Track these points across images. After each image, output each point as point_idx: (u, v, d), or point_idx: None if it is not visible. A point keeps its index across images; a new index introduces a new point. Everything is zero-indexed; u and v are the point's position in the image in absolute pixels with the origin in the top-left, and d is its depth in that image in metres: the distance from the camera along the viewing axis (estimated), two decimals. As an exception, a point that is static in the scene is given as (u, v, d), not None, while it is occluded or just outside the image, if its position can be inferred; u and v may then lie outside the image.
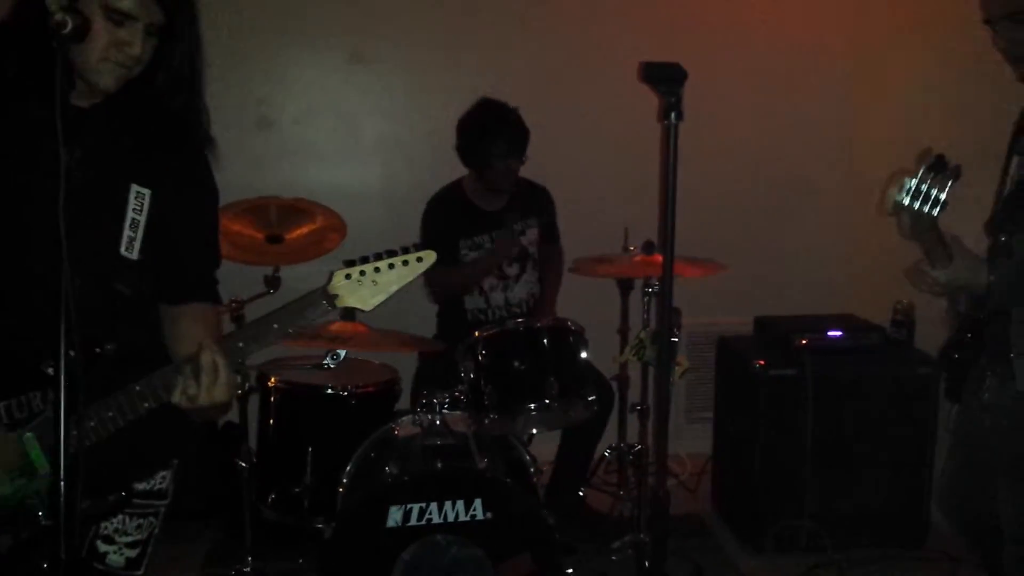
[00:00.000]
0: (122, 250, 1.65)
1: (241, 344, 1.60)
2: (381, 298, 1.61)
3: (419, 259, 1.62)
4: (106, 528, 1.75)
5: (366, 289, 1.59)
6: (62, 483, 1.16)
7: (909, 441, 3.41)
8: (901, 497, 3.43)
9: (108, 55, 1.53)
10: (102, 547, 1.76)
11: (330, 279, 1.59)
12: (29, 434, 1.58)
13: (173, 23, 1.60)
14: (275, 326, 1.60)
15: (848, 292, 4.28)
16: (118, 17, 1.52)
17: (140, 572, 1.82)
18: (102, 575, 1.77)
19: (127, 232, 1.66)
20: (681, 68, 1.80)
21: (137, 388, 1.59)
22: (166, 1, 1.58)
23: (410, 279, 1.62)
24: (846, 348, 3.46)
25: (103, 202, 1.62)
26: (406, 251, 1.63)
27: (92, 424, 1.56)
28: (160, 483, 1.83)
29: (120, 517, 1.76)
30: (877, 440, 3.39)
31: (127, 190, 1.66)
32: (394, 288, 1.61)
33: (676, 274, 2.03)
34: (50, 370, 1.54)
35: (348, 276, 1.59)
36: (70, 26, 1.37)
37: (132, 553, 1.79)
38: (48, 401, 1.59)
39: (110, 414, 1.58)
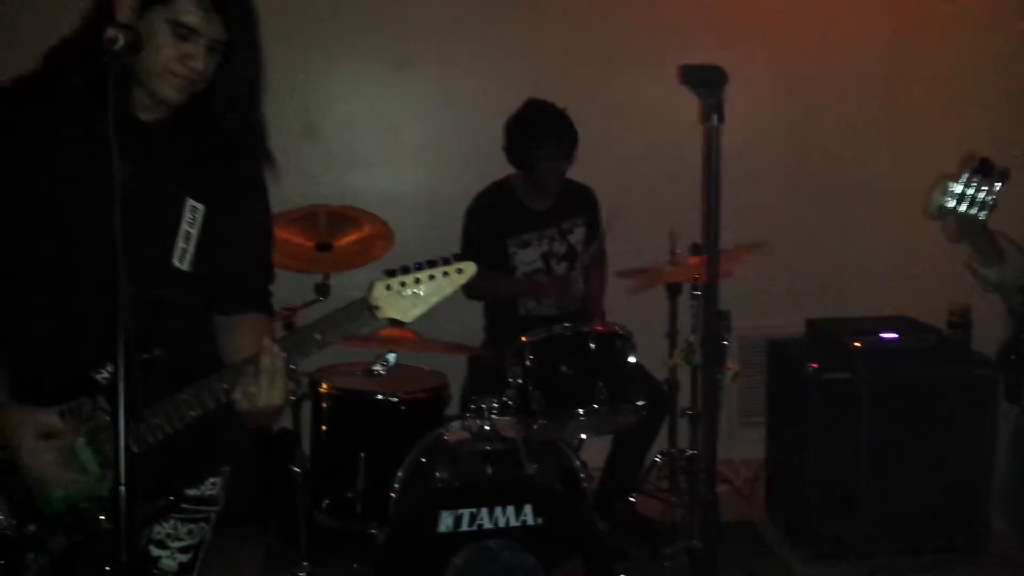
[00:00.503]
0: (174, 261, 1.69)
1: (287, 353, 1.62)
2: (422, 310, 1.60)
3: (459, 271, 1.61)
4: (159, 533, 1.78)
5: (407, 301, 1.59)
6: (123, 487, 1.18)
7: (968, 444, 3.33)
8: (961, 502, 3.35)
9: (172, 68, 1.57)
10: (155, 552, 1.79)
11: (371, 289, 1.59)
12: (80, 440, 1.61)
13: (236, 41, 1.63)
14: (317, 337, 1.61)
15: (902, 293, 4.20)
16: (184, 31, 1.56)
17: None
18: None
19: (180, 244, 1.69)
20: (721, 70, 1.77)
21: (184, 396, 1.61)
22: (230, 18, 1.61)
23: (451, 292, 1.61)
24: (901, 350, 3.40)
25: (158, 214, 1.65)
26: (447, 261, 1.61)
27: (143, 431, 1.59)
28: (210, 489, 1.85)
29: (172, 523, 1.79)
30: (935, 444, 3.32)
31: (182, 204, 1.69)
32: (435, 300, 1.60)
33: (723, 274, 2.01)
34: (100, 376, 1.60)
35: (389, 287, 1.59)
36: (121, 42, 1.40)
37: (184, 558, 1.82)
38: (98, 407, 1.62)
39: (157, 421, 1.61)
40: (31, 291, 1.69)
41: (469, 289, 3.48)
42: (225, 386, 1.60)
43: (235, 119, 1.70)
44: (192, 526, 1.82)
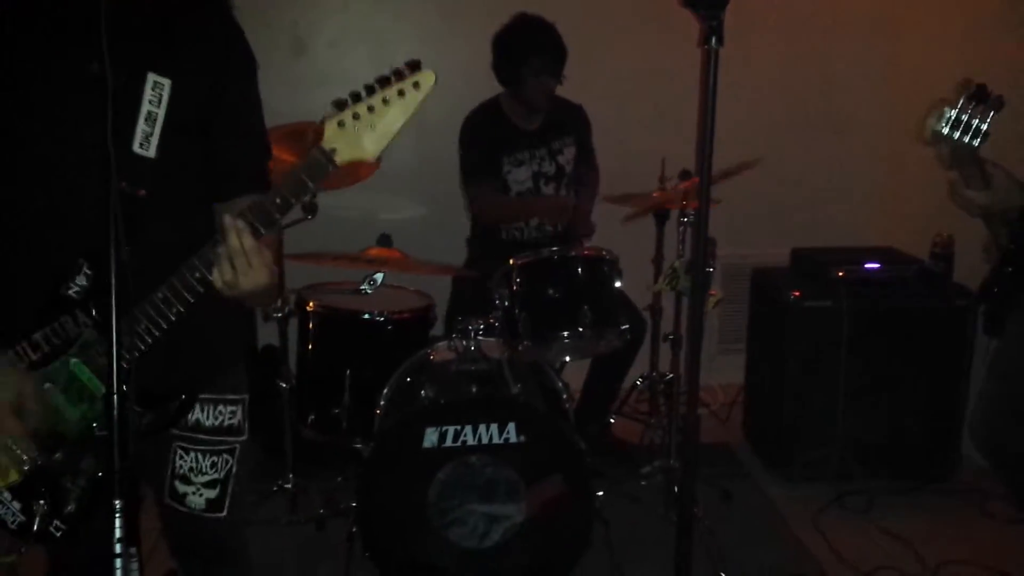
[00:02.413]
0: (135, 147, 1.51)
1: (250, 222, 1.45)
2: (384, 142, 1.42)
3: (416, 84, 1.40)
4: (181, 467, 1.72)
5: (364, 135, 1.40)
6: (115, 396, 1.16)
7: (943, 374, 3.41)
8: (933, 429, 3.44)
9: None
10: (181, 488, 1.73)
11: (322, 133, 1.41)
12: (75, 359, 1.55)
13: None
14: (278, 201, 1.44)
15: (886, 225, 4.23)
16: None
17: (223, 514, 1.75)
18: (186, 517, 1.74)
19: (141, 127, 1.50)
20: (724, -9, 1.77)
21: (160, 295, 1.49)
22: None
23: (412, 112, 1.40)
24: (883, 280, 3.44)
25: (114, 95, 1.34)
26: (400, 76, 1.40)
27: (129, 340, 1.46)
28: (230, 418, 1.76)
29: (193, 455, 1.72)
30: (911, 372, 3.39)
31: (141, 80, 1.49)
32: (397, 127, 1.41)
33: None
34: (71, 291, 1.50)
35: (341, 124, 1.41)
36: None
37: (211, 494, 1.74)
38: (81, 324, 1.52)
39: (142, 326, 1.49)
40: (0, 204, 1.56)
41: (484, 211, 3.53)
42: (198, 275, 1.47)
43: None
44: (215, 458, 1.74)
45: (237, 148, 1.64)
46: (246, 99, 1.65)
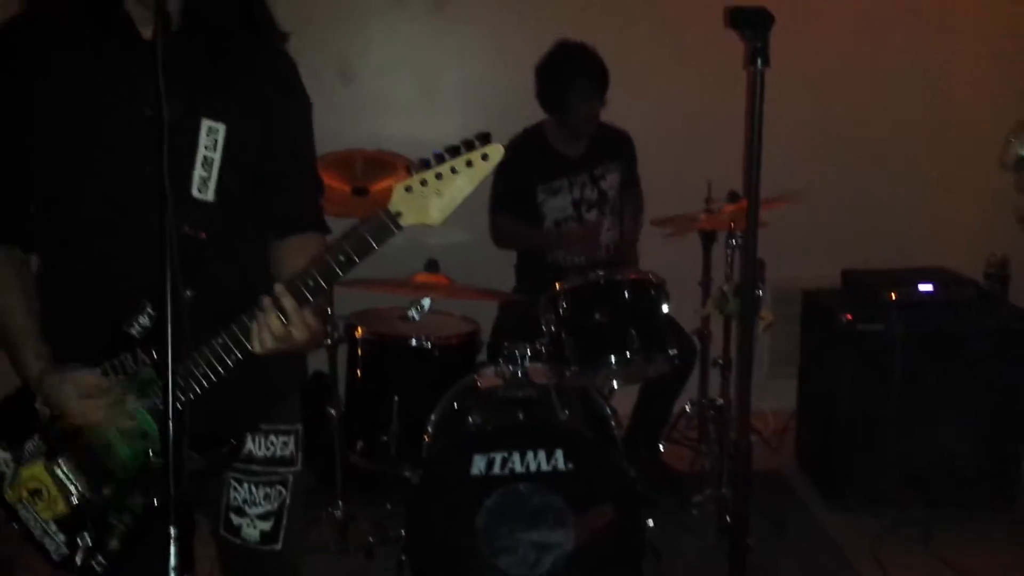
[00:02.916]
0: (194, 192, 1.55)
1: (311, 282, 1.48)
2: (450, 209, 1.44)
3: (484, 156, 1.43)
4: (235, 499, 1.72)
5: (431, 201, 1.42)
6: (171, 423, 1.17)
7: (1001, 399, 3.31)
8: (991, 457, 3.34)
9: None
10: (235, 519, 1.73)
11: (391, 196, 1.43)
12: (132, 396, 1.55)
13: None
14: (341, 258, 1.46)
15: (939, 245, 4.15)
16: None
17: (278, 546, 1.74)
18: (240, 549, 1.73)
19: (198, 173, 1.55)
20: (768, 12, 1.78)
21: (221, 340, 1.52)
22: None
23: (479, 182, 1.43)
24: (937, 302, 3.37)
25: (171, 141, 1.35)
26: (469, 147, 1.43)
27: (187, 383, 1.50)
28: (282, 449, 1.75)
29: (247, 486, 1.72)
30: (968, 397, 3.31)
31: (197, 126, 1.54)
32: (462, 196, 1.44)
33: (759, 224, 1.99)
34: (133, 330, 1.53)
35: (408, 189, 1.43)
36: None
37: (265, 526, 1.73)
38: (140, 362, 1.54)
39: (201, 370, 1.52)
40: (61, 247, 1.61)
41: (499, 240, 3.55)
42: (243, 336, 1.50)
43: (225, 6, 1.54)
44: (268, 490, 1.73)
45: (292, 188, 1.68)
46: (300, 139, 1.69)
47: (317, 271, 1.48)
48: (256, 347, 1.49)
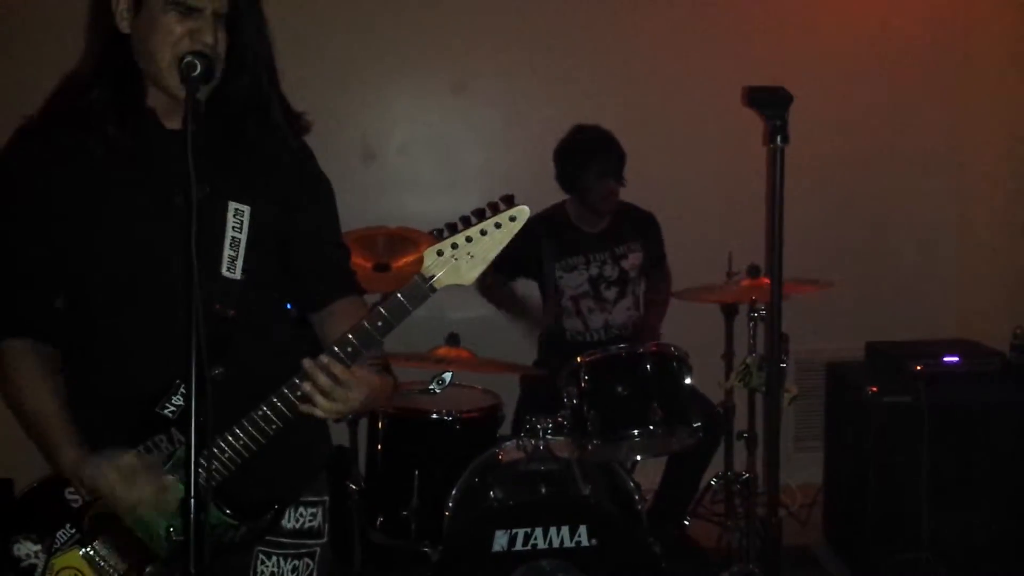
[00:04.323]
0: (223, 271, 1.61)
1: (349, 348, 1.52)
2: (480, 269, 1.50)
3: (512, 218, 1.49)
4: (262, 572, 1.71)
5: (462, 263, 1.49)
6: (192, 500, 1.18)
7: (1032, 472, 3.25)
8: (1021, 532, 3.26)
9: (182, 49, 1.48)
10: None
11: (423, 261, 1.49)
12: (169, 477, 1.56)
13: (238, 9, 1.56)
14: (379, 324, 1.51)
15: (964, 317, 4.12)
16: (185, 9, 1.50)
17: None
18: None
19: (227, 252, 1.61)
20: (786, 91, 1.80)
21: (261, 412, 1.55)
22: None
23: (507, 242, 1.50)
24: (964, 374, 3.34)
25: (200, 224, 1.42)
26: (495, 210, 1.50)
27: (228, 455, 1.55)
28: (311, 520, 1.76)
29: (275, 559, 1.71)
30: (997, 470, 3.25)
31: (224, 209, 1.61)
32: (492, 256, 1.50)
33: (784, 295, 1.99)
34: (167, 411, 1.55)
35: (440, 253, 1.49)
36: (199, 68, 1.43)
37: None
38: (175, 441, 1.57)
39: (241, 442, 1.55)
40: (90, 336, 1.63)
41: (482, 288, 3.57)
42: (299, 394, 1.53)
43: (245, 84, 1.60)
44: (296, 562, 1.73)
45: (321, 263, 1.74)
46: (323, 215, 1.76)
47: (354, 336, 1.52)
48: (320, 414, 1.52)
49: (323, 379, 1.50)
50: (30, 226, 1.60)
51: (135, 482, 1.53)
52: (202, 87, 1.50)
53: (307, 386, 1.50)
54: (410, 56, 4.04)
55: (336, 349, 1.52)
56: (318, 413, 1.52)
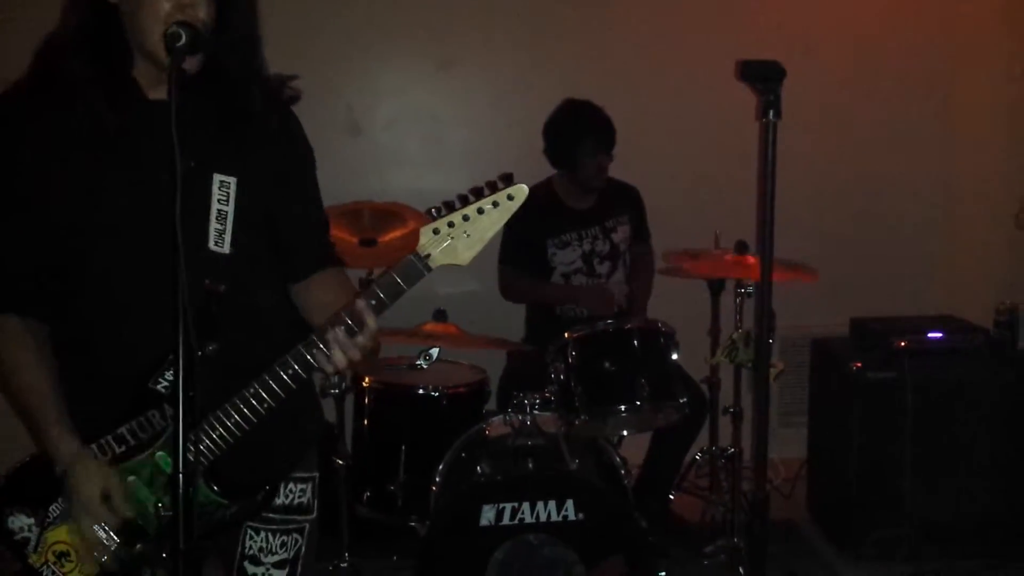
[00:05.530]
0: (212, 245, 1.58)
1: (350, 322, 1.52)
2: (477, 248, 1.47)
3: (510, 197, 1.46)
4: (251, 548, 1.71)
5: (459, 242, 1.46)
6: (180, 475, 1.17)
7: (1013, 447, 3.28)
8: (1006, 505, 3.30)
9: (173, 20, 1.44)
10: (250, 568, 1.72)
11: (419, 239, 1.47)
12: (160, 453, 1.55)
13: None
14: (372, 301, 1.50)
15: (947, 293, 4.15)
16: None
17: None
18: None
19: (214, 226, 1.58)
20: (779, 66, 1.80)
21: (252, 390, 1.53)
22: None
23: (505, 221, 1.47)
24: (947, 350, 3.36)
25: (186, 197, 1.37)
26: (494, 188, 1.46)
27: (218, 433, 1.54)
28: (300, 496, 1.76)
29: (263, 534, 1.71)
30: (980, 445, 3.28)
31: (209, 181, 1.58)
32: (489, 235, 1.47)
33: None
34: (159, 386, 1.53)
35: (436, 231, 1.46)
36: (184, 39, 1.40)
37: (280, 574, 1.73)
38: (168, 417, 1.54)
39: (233, 421, 1.54)
40: (79, 312, 1.61)
41: (507, 293, 3.56)
42: (291, 372, 1.52)
43: (237, 61, 1.58)
44: (284, 538, 1.73)
45: (306, 233, 1.72)
46: (308, 187, 1.74)
47: (347, 316, 1.51)
48: (342, 363, 1.51)
49: (342, 331, 1.49)
50: (13, 201, 1.57)
51: (111, 505, 1.53)
52: (192, 59, 1.47)
53: (332, 334, 1.48)
54: (397, 31, 4.00)
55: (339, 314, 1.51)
56: (338, 362, 1.50)
